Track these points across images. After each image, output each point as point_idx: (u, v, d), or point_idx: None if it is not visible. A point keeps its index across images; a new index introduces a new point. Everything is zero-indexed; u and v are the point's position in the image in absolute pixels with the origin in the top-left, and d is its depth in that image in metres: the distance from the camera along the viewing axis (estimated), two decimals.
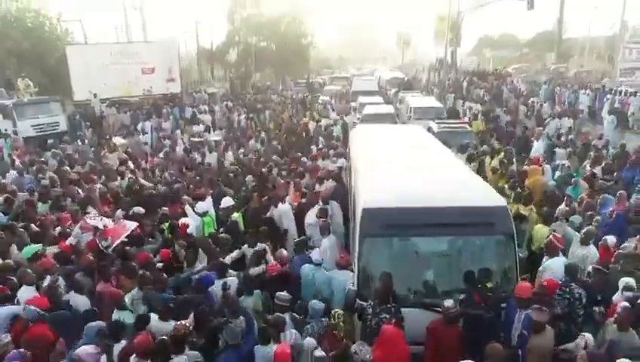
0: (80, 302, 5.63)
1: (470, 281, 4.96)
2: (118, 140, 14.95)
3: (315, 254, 6.42)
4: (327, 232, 6.84)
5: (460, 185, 5.84)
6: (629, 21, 58.17)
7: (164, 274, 5.99)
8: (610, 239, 6.36)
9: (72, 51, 24.50)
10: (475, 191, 5.60)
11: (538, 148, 12.32)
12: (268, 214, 8.25)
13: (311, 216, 8.02)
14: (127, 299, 5.56)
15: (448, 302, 4.64)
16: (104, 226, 6.71)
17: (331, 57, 77.11)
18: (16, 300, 5.59)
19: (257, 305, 5.67)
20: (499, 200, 5.34)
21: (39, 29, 30.90)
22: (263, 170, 10.34)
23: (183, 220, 7.34)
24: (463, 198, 5.29)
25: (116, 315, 5.24)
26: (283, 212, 8.18)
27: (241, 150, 13.45)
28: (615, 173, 9.65)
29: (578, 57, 55.49)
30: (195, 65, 40.94)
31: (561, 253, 6.11)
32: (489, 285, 4.91)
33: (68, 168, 11.36)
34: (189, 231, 7.12)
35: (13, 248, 6.95)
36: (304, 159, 11.13)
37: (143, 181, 9.86)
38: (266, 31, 41.59)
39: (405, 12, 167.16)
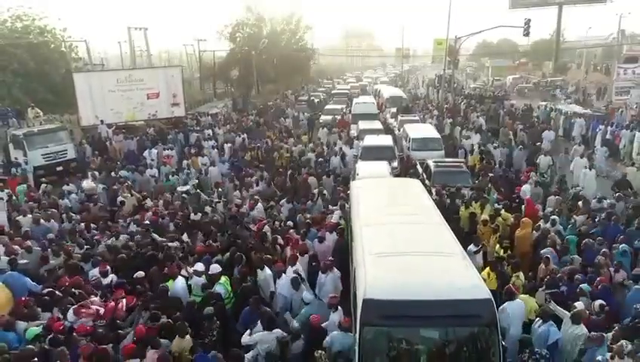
0: None
1: None
2: (87, 184, 15.48)
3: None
4: (336, 308, 7.41)
5: (452, 272, 6.46)
6: (626, 30, 59.29)
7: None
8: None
9: (79, 78, 25.14)
10: (465, 281, 6.20)
11: (526, 190, 12.96)
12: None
13: (284, 287, 8.26)
14: None
15: None
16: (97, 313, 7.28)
17: (332, 64, 77.96)
18: None
19: None
20: (485, 293, 5.95)
21: (44, 47, 31.58)
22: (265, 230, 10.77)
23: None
24: (454, 290, 5.89)
25: None
26: (265, 277, 8.54)
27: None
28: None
29: (576, 69, 56.30)
30: (197, 82, 41.76)
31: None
32: None
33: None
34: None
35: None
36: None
37: (154, 235, 10.43)
38: (266, 47, 42.16)
39: (406, 12, 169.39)
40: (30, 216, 12.32)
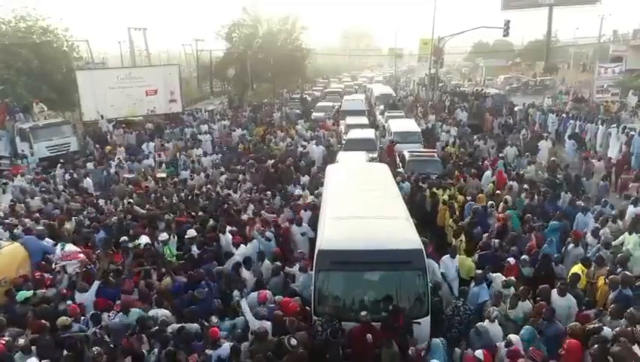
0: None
1: (390, 302, 6.92)
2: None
3: None
4: (306, 271, 8.60)
5: (392, 229, 7.76)
6: (619, 30, 60.56)
7: None
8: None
9: (81, 75, 26.53)
10: (401, 236, 7.49)
11: (488, 176, 14.31)
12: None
13: (235, 258, 9.18)
14: None
15: (363, 313, 6.74)
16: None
17: (330, 64, 79.29)
18: None
19: None
20: (417, 244, 7.26)
21: (47, 46, 32.77)
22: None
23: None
24: (390, 242, 7.19)
25: None
26: (227, 241, 9.93)
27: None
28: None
29: (565, 69, 57.64)
30: (194, 80, 43.10)
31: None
32: (403, 306, 6.84)
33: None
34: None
35: None
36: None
37: (137, 208, 12.10)
38: (262, 46, 43.39)
39: (404, 13, 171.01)
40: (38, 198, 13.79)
